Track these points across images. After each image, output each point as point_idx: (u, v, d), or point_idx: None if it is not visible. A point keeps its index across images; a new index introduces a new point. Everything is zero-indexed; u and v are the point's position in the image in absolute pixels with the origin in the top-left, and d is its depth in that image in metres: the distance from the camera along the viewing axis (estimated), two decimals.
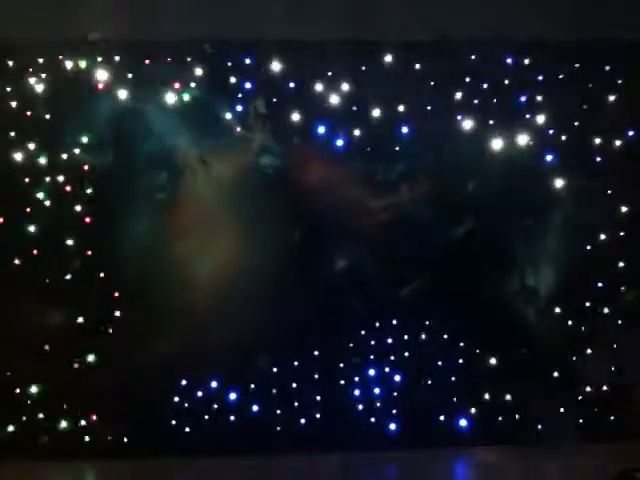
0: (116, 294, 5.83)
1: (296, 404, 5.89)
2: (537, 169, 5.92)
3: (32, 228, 5.76)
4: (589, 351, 5.94)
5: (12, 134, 5.74)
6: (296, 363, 5.91)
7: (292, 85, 5.82)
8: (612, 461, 5.38)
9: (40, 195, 5.78)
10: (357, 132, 5.87)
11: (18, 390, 5.75)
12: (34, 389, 5.75)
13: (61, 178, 5.80)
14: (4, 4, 5.62)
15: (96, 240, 5.83)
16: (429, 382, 5.92)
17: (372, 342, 5.95)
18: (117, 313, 5.84)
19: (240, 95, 5.83)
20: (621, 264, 5.94)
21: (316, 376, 5.91)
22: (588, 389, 5.93)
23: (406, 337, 5.94)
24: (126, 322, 5.82)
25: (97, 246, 5.84)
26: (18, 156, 5.72)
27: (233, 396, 5.87)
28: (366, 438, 5.83)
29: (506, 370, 5.92)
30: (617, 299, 5.95)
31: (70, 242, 5.81)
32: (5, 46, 5.69)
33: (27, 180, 5.77)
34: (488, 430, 5.88)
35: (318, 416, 5.88)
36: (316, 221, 5.88)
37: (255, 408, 5.87)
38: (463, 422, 5.90)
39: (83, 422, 5.79)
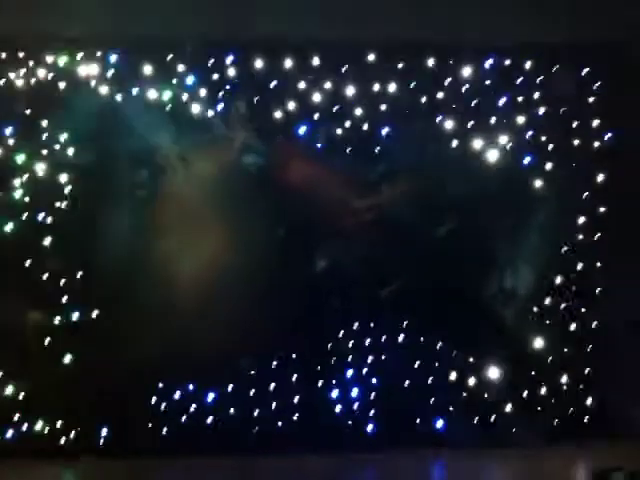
0: (95, 293, 5.78)
1: (274, 405, 5.86)
2: (517, 170, 5.99)
3: (10, 225, 5.70)
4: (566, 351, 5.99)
5: None
6: (275, 364, 5.88)
7: (274, 84, 5.85)
8: (589, 462, 5.45)
9: (18, 192, 5.73)
10: (339, 131, 5.90)
11: None
12: (10, 389, 5.67)
13: (40, 175, 5.75)
14: None
15: (75, 238, 5.78)
16: (407, 383, 5.91)
17: (351, 343, 5.94)
18: (96, 312, 5.77)
19: (222, 93, 5.84)
20: (598, 264, 6.01)
21: (294, 377, 5.88)
22: (565, 389, 5.97)
23: (384, 338, 5.94)
24: (105, 322, 5.76)
25: (76, 244, 5.79)
26: None
27: (211, 397, 5.83)
28: (344, 439, 5.82)
29: (484, 371, 5.95)
30: (595, 299, 6.01)
31: (49, 240, 5.75)
32: None
33: (5, 176, 5.71)
34: (465, 431, 5.87)
35: (296, 417, 5.85)
36: (297, 220, 5.88)
37: (233, 409, 5.83)
38: (440, 423, 5.91)
39: (60, 422, 5.71)
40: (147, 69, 5.76)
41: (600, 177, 6.01)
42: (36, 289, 5.74)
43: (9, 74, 5.70)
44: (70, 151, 5.77)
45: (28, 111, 5.74)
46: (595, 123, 6.00)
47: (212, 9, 5.61)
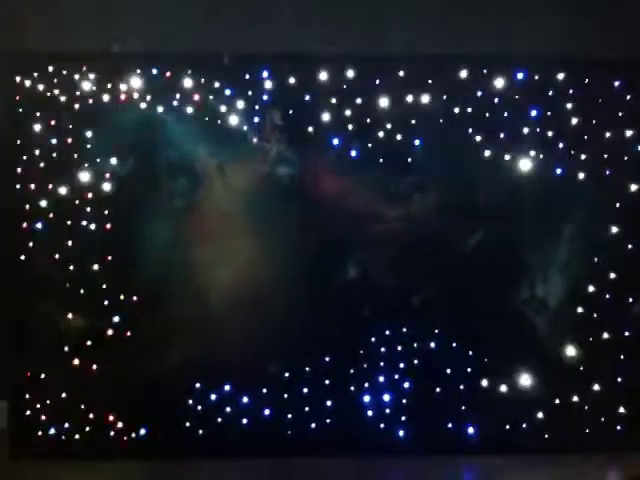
0: (134, 299, 5.96)
1: (307, 409, 5.99)
2: (547, 182, 5.98)
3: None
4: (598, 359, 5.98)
5: None
6: (307, 369, 6.00)
7: (307, 98, 5.94)
8: (621, 470, 5.47)
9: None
10: (370, 144, 5.97)
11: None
12: (51, 390, 5.91)
13: (83, 184, 5.93)
14: (25, 17, 5.78)
15: (115, 245, 5.97)
16: (438, 390, 5.99)
17: (382, 349, 6.02)
18: (136, 317, 5.96)
19: (257, 107, 5.95)
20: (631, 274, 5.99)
21: (327, 382, 5.99)
22: (597, 398, 5.96)
23: (415, 345, 6.01)
24: (143, 326, 5.95)
25: (116, 250, 5.97)
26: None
27: (245, 400, 5.99)
28: (375, 444, 5.95)
29: (515, 378, 5.98)
30: (625, 311, 5.99)
31: (90, 246, 5.95)
32: (28, 57, 5.86)
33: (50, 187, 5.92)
34: (496, 437, 5.94)
35: (328, 421, 5.97)
36: (329, 229, 5.98)
37: (267, 412, 5.98)
38: (471, 430, 5.97)
39: (97, 423, 5.92)
40: (186, 83, 5.90)
41: (632, 188, 5.99)
42: (76, 294, 5.93)
43: (54, 89, 5.88)
44: (112, 163, 5.94)
45: (71, 125, 5.91)
46: (628, 134, 5.97)
47: (246, 26, 5.74)
